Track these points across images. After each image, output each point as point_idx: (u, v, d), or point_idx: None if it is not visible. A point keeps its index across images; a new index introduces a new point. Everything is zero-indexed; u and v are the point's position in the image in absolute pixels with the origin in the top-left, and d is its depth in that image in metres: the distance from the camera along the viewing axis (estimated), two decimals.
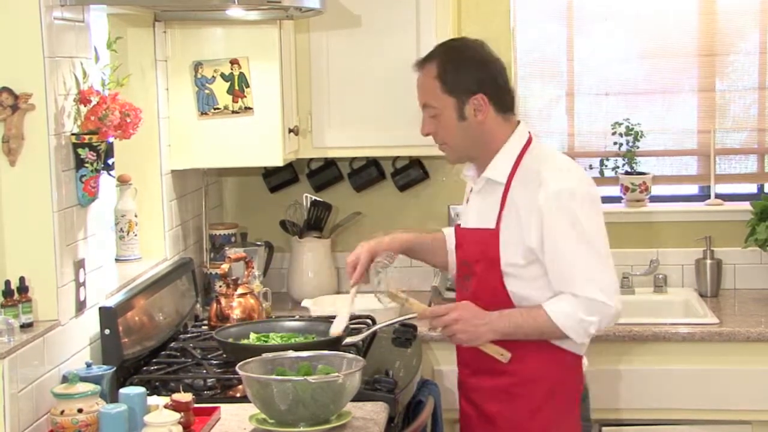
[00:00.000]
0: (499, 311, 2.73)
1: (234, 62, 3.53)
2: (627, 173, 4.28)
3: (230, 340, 3.04)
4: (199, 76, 3.54)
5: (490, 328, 2.72)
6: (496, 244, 2.75)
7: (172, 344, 3.26)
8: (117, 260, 3.42)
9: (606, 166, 4.34)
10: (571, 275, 2.68)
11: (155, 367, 3.03)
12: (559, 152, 2.96)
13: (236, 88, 3.54)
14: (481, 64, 2.78)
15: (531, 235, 2.69)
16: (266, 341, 3.05)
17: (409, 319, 3.16)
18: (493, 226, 2.77)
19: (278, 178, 4.30)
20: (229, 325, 3.21)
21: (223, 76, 3.54)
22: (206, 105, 3.55)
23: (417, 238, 3.08)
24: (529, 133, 2.84)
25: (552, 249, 2.68)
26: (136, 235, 3.44)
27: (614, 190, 4.30)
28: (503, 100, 2.80)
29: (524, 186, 2.73)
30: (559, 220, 2.67)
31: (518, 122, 2.85)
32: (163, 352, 3.17)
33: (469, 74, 2.75)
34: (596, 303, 2.67)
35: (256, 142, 3.57)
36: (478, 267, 2.80)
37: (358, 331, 3.21)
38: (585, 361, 2.86)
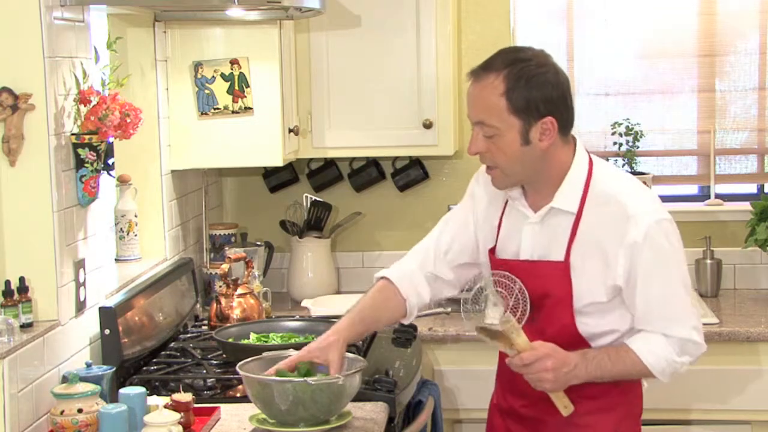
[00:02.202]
0: (581, 353, 2.49)
1: (234, 62, 3.53)
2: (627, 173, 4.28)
3: (230, 340, 3.04)
4: (199, 76, 3.54)
5: (576, 374, 2.47)
6: (567, 278, 2.50)
7: (172, 344, 3.26)
8: (117, 260, 3.42)
9: None
10: (666, 315, 2.48)
11: (155, 367, 3.03)
12: (622, 171, 2.67)
13: (236, 88, 3.54)
14: (554, 81, 2.46)
15: (617, 272, 2.46)
16: (266, 341, 3.05)
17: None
18: (561, 258, 2.51)
19: (278, 178, 4.30)
20: (229, 325, 3.22)
21: (223, 76, 3.54)
22: (206, 105, 3.55)
23: (362, 311, 2.66)
24: (587, 152, 2.59)
25: (646, 289, 2.46)
26: (136, 235, 3.44)
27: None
28: (569, 121, 2.51)
29: (603, 217, 2.48)
30: (655, 258, 2.45)
31: (575, 141, 2.57)
32: (163, 352, 3.17)
33: (541, 94, 2.43)
34: (690, 343, 2.50)
35: (256, 142, 3.57)
36: (544, 303, 2.54)
37: None
38: (644, 383, 2.69)
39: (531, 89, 2.43)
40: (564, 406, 2.53)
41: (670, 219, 2.53)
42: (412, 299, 2.72)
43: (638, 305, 2.49)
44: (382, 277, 2.75)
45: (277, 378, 2.47)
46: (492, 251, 2.66)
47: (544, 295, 2.54)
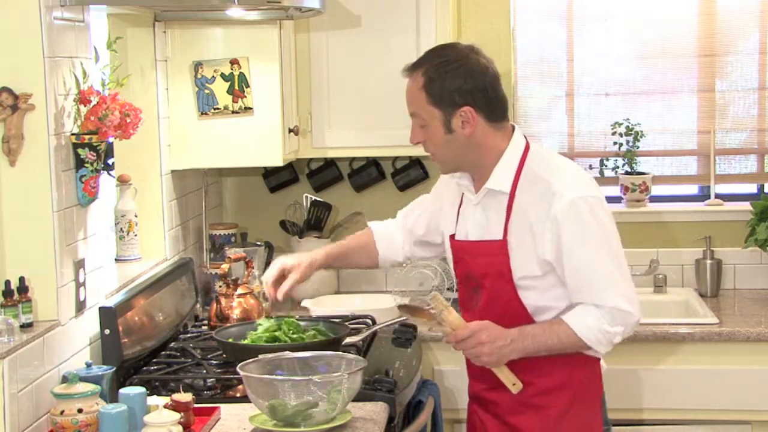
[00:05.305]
0: (519, 329, 2.63)
1: (234, 62, 3.53)
2: (627, 173, 4.28)
3: (230, 340, 3.03)
4: (199, 76, 3.54)
5: (513, 348, 2.61)
6: (505, 255, 2.66)
7: (172, 344, 3.26)
8: (117, 260, 3.42)
9: (606, 166, 4.34)
10: (592, 286, 2.60)
11: (155, 367, 3.03)
12: (559, 155, 2.86)
13: (236, 88, 3.54)
14: (468, 74, 2.64)
15: (545, 247, 2.61)
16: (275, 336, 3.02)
17: (408, 319, 3.17)
18: (500, 237, 2.67)
19: (278, 178, 4.30)
20: (229, 325, 3.21)
21: (223, 76, 3.54)
22: (206, 105, 3.55)
23: (339, 245, 3.10)
24: (525, 138, 2.75)
25: (571, 260, 2.59)
26: (136, 235, 3.44)
27: (614, 190, 4.30)
28: (494, 110, 2.67)
29: (533, 195, 2.64)
30: (578, 231, 2.58)
31: (513, 128, 2.74)
32: (163, 352, 3.17)
33: (455, 85, 2.63)
34: (620, 312, 2.60)
35: (256, 142, 3.57)
36: (487, 281, 2.71)
37: (358, 331, 3.21)
38: (603, 363, 2.80)
39: (445, 81, 2.64)
40: (512, 383, 2.65)
41: (598, 197, 2.65)
42: (383, 254, 3.09)
43: (567, 278, 2.62)
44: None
45: (279, 377, 2.48)
46: (452, 237, 2.85)
47: (486, 273, 2.71)
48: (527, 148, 2.72)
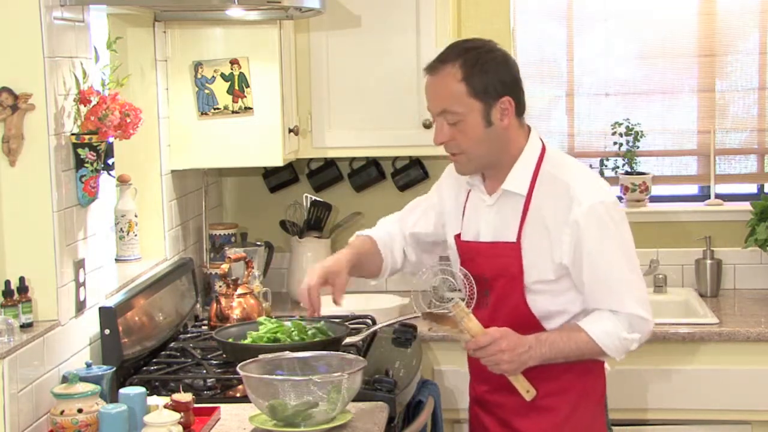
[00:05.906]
0: (535, 336, 2.60)
1: (234, 62, 3.53)
2: (627, 173, 4.28)
3: (230, 340, 3.03)
4: (199, 76, 3.54)
5: (531, 355, 2.57)
6: (518, 258, 2.64)
7: (172, 344, 3.26)
8: (117, 260, 3.42)
9: (606, 166, 4.35)
10: (611, 291, 2.60)
11: (155, 367, 3.03)
12: (572, 157, 2.83)
13: (236, 88, 3.54)
14: (505, 64, 2.62)
15: (563, 251, 2.59)
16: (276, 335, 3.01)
17: (409, 319, 3.17)
18: (513, 239, 2.65)
19: (278, 178, 4.30)
20: (229, 325, 3.21)
21: (223, 76, 3.54)
22: (206, 105, 3.55)
23: (356, 253, 2.91)
24: (542, 140, 2.72)
25: (591, 265, 2.58)
26: (136, 235, 3.44)
27: (614, 190, 4.29)
28: (521, 102, 2.66)
29: (550, 198, 2.62)
30: (597, 236, 2.57)
31: (529, 128, 2.72)
32: (163, 352, 3.17)
33: (496, 76, 2.58)
34: (637, 319, 2.60)
35: (256, 142, 3.57)
36: (498, 283, 2.68)
37: (358, 331, 3.21)
38: (606, 365, 2.79)
39: (486, 72, 2.58)
40: (526, 390, 2.62)
41: (614, 201, 2.65)
42: (386, 260, 2.96)
43: (585, 282, 2.61)
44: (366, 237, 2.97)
45: (279, 377, 2.48)
46: (458, 236, 2.80)
47: (498, 275, 2.67)
48: (543, 149, 2.69)
